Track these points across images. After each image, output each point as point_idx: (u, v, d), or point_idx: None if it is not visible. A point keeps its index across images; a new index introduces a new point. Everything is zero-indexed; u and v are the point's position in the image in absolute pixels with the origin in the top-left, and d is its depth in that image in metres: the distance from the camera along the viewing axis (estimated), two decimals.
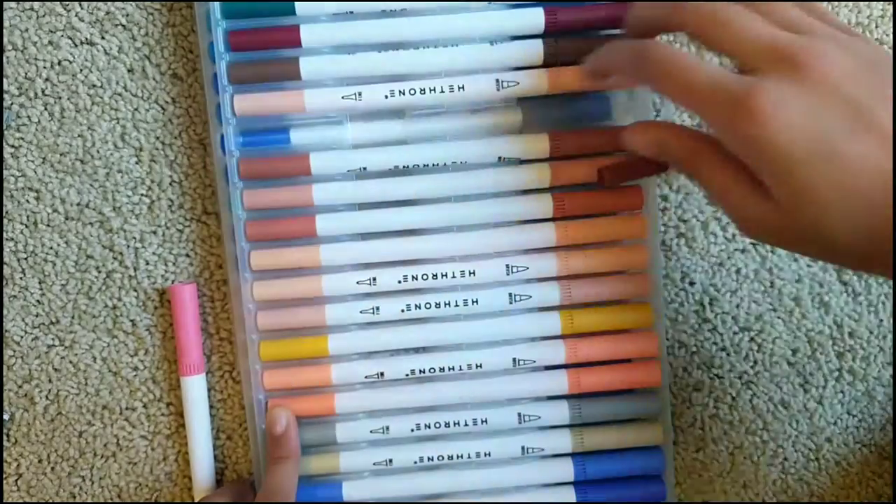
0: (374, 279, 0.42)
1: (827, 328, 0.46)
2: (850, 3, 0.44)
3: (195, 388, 0.44)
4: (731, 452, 0.46)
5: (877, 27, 0.44)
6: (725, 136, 0.31)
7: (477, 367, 0.43)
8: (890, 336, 0.46)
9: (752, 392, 0.46)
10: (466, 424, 0.43)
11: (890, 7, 0.44)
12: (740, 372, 0.46)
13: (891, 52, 0.33)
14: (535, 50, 0.41)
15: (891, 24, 0.44)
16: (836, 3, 0.44)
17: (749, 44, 0.31)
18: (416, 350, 0.44)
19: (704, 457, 0.46)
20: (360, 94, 0.41)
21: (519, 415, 0.43)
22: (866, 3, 0.44)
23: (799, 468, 0.46)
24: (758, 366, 0.46)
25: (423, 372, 0.43)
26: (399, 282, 0.42)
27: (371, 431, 0.43)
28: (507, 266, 0.42)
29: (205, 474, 0.44)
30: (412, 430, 0.43)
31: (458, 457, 0.43)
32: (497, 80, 0.41)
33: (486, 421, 0.43)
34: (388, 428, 0.43)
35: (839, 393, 0.46)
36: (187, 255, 0.44)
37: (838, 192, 0.29)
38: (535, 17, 0.41)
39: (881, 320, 0.46)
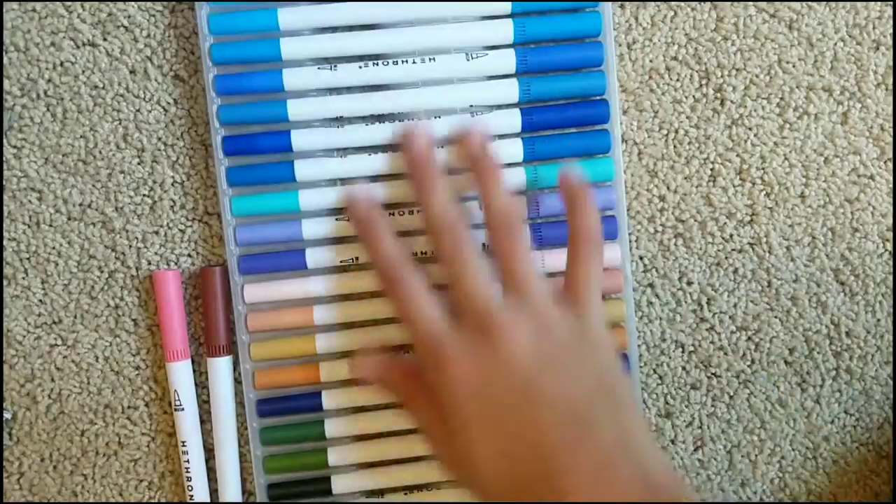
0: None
1: (824, 327, 0.46)
2: (849, 4, 0.44)
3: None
4: (728, 451, 0.46)
5: (874, 28, 0.45)
6: (425, 373, 0.36)
7: None
8: (887, 335, 0.46)
9: (750, 391, 0.46)
10: None
11: (889, 7, 0.45)
12: (738, 371, 0.46)
13: (598, 327, 0.36)
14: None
15: (890, 25, 0.45)
16: (835, 4, 0.44)
17: (465, 298, 0.35)
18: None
19: (702, 455, 0.46)
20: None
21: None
22: (864, 3, 0.44)
23: (796, 467, 0.47)
24: (755, 365, 0.46)
25: None
26: None
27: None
28: None
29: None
30: None
31: None
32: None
33: None
34: None
35: (836, 392, 0.46)
36: (189, 256, 0.44)
37: (493, 452, 0.33)
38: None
39: (878, 320, 0.46)
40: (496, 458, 0.33)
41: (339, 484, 0.44)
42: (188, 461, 0.44)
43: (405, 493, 0.44)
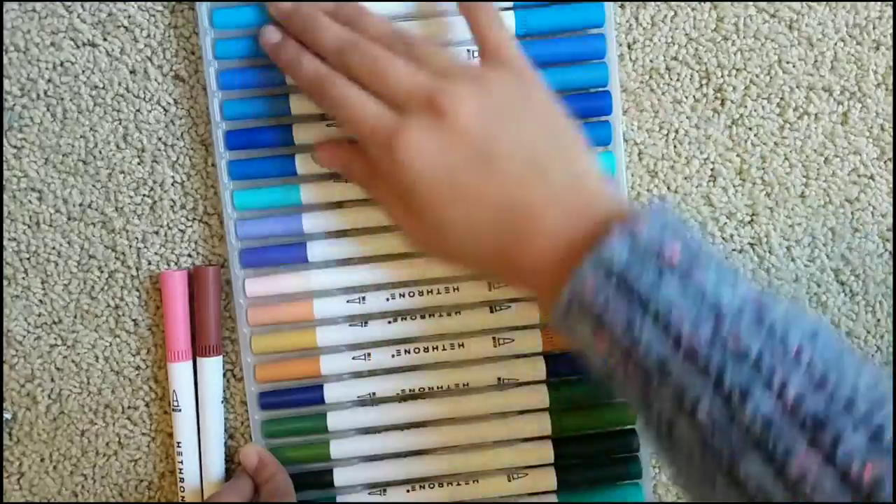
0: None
1: None
2: (849, 4, 0.45)
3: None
4: None
5: (874, 28, 0.45)
6: (381, 165, 0.37)
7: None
8: (887, 335, 0.46)
9: None
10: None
11: (889, 7, 0.45)
12: None
13: (538, 80, 0.38)
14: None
15: (890, 25, 0.45)
16: (835, 4, 0.44)
17: (400, 88, 0.36)
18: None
19: None
20: None
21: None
22: (864, 3, 0.44)
23: None
24: None
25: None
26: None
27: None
28: None
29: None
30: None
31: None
32: None
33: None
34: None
35: None
36: (189, 256, 0.44)
37: (463, 218, 0.35)
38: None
39: (878, 320, 0.46)
40: (465, 227, 0.35)
41: (342, 476, 0.44)
42: (181, 462, 0.44)
43: (407, 490, 0.44)
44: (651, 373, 0.30)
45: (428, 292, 0.44)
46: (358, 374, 0.45)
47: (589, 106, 0.43)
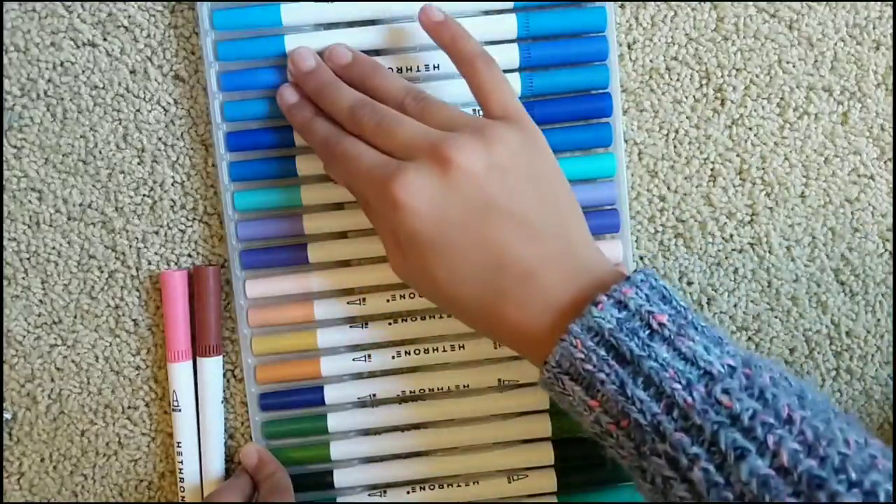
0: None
1: (824, 328, 0.46)
2: (849, 4, 0.44)
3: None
4: None
5: (875, 28, 0.45)
6: (375, 206, 0.36)
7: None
8: (887, 335, 0.46)
9: None
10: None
11: (889, 7, 0.45)
12: None
13: (543, 140, 0.38)
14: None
15: (890, 25, 0.45)
16: (835, 4, 0.44)
17: (407, 141, 0.36)
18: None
19: None
20: None
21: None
22: (864, 3, 0.44)
23: None
24: None
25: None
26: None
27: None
28: None
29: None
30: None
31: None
32: None
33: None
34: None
35: (836, 392, 0.46)
36: (189, 256, 0.44)
37: (452, 264, 0.35)
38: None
39: (878, 320, 0.46)
40: (452, 273, 0.35)
41: (342, 477, 0.44)
42: (181, 462, 0.44)
43: (408, 492, 0.44)
44: (645, 434, 0.31)
45: None
46: (358, 376, 0.45)
47: (589, 107, 0.43)
